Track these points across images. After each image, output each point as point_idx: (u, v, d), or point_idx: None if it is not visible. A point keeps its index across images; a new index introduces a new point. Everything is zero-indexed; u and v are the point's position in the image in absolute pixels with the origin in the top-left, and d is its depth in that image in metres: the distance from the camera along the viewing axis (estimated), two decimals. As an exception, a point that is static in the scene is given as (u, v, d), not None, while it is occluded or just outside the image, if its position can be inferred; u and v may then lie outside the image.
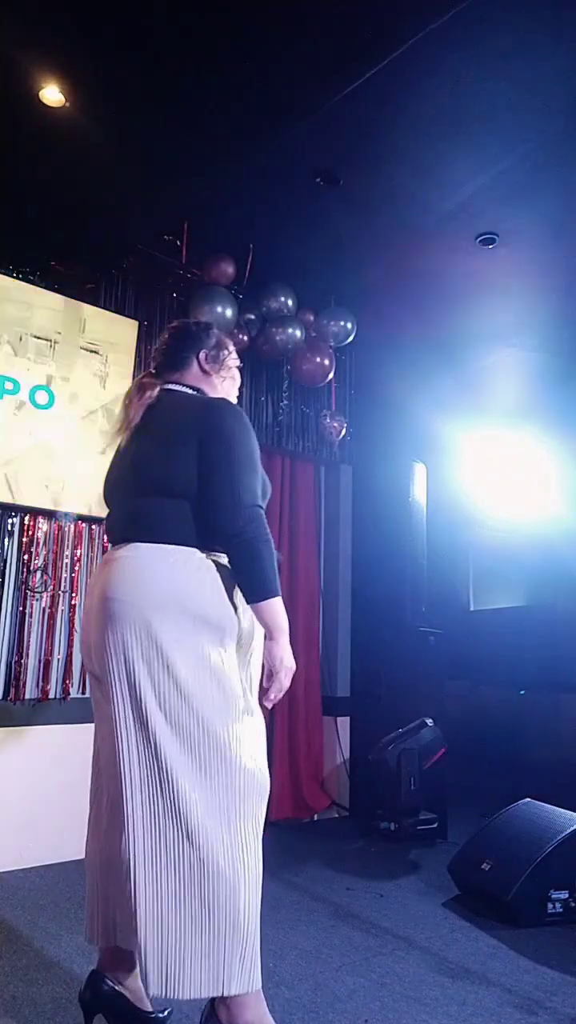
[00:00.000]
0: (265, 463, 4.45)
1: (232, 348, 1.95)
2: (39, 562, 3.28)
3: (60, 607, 3.31)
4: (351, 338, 4.14)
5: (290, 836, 3.67)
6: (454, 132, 2.85)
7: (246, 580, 1.62)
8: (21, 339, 3.24)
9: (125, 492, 1.75)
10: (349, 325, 4.08)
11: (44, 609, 3.27)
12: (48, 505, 3.25)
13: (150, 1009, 1.68)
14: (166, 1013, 1.70)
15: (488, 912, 2.65)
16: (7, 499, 3.13)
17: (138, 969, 1.53)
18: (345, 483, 4.58)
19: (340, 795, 4.20)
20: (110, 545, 1.79)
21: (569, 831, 2.63)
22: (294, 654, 1.68)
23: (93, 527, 3.42)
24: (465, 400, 4.68)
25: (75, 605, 3.32)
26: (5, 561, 3.20)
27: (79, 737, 2.78)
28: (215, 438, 1.67)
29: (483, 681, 5.97)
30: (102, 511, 1.90)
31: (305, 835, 3.76)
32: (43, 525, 3.31)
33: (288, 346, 3.90)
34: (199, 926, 1.48)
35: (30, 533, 3.27)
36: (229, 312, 3.60)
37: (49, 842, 3.04)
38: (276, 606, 1.62)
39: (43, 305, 3.31)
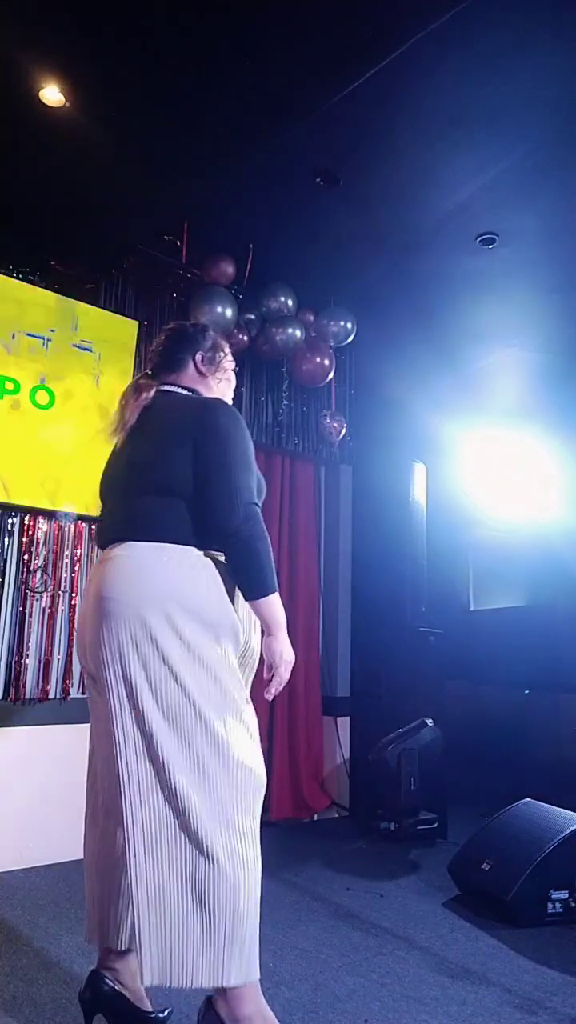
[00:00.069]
0: (265, 463, 4.46)
1: (228, 350, 1.96)
2: (39, 562, 3.28)
3: (60, 607, 3.31)
4: (351, 338, 4.14)
5: (290, 836, 3.67)
6: (454, 132, 2.85)
7: (244, 577, 1.64)
8: (13, 336, 3.24)
9: (121, 492, 1.75)
10: (349, 325, 4.08)
11: (44, 609, 3.27)
12: (44, 504, 3.25)
13: (150, 1009, 1.69)
14: (166, 1013, 1.71)
15: (488, 912, 2.65)
16: (2, 498, 3.13)
17: (137, 965, 1.53)
18: (345, 483, 4.59)
19: (340, 795, 4.20)
20: (99, 545, 1.80)
21: (569, 831, 2.63)
22: (294, 652, 1.70)
23: (93, 527, 3.42)
24: (465, 400, 4.67)
25: (75, 605, 3.32)
26: (5, 561, 3.21)
27: (79, 737, 2.76)
28: (211, 438, 1.68)
29: (483, 681, 5.95)
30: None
31: (305, 835, 3.75)
32: (43, 525, 3.31)
33: (288, 346, 3.90)
34: (199, 917, 1.49)
35: (30, 533, 3.27)
36: (229, 312, 3.60)
37: (49, 842, 3.04)
38: (274, 602, 1.65)
39: (36, 302, 3.31)
